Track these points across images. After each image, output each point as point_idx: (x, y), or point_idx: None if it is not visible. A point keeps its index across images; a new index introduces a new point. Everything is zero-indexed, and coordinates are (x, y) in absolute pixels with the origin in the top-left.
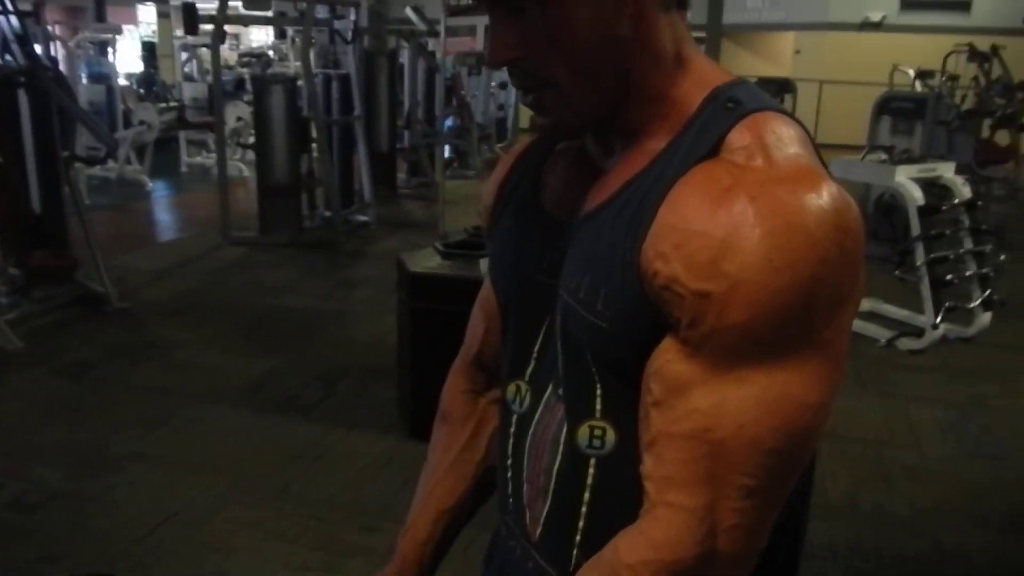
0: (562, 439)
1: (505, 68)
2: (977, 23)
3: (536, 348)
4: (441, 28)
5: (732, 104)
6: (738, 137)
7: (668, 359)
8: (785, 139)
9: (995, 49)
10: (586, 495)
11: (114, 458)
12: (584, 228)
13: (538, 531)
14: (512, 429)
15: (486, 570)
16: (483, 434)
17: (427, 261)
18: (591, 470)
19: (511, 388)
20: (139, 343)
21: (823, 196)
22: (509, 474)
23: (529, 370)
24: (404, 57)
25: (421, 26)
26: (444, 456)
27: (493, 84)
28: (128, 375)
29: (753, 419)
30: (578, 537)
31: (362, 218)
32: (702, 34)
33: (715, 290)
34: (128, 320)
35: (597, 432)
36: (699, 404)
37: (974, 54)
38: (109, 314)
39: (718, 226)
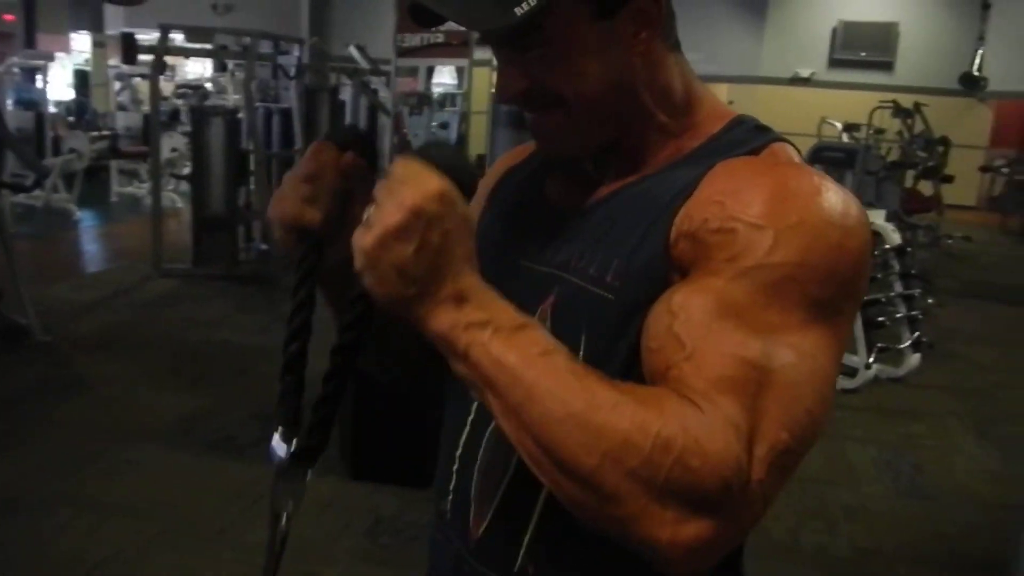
0: None
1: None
2: (900, 82)
3: None
4: (392, 68)
5: (759, 129)
6: (767, 153)
7: (696, 286)
8: (803, 163)
9: (917, 106)
10: (543, 494)
11: (39, 500)
12: (596, 212)
13: (481, 528)
14: (470, 418)
15: None
16: None
17: None
18: None
19: None
20: (65, 378)
21: (854, 204)
22: (456, 467)
23: None
24: (346, 93)
25: (364, 64)
26: None
27: (434, 124)
28: (53, 412)
29: (793, 366)
30: (527, 535)
31: None
32: None
33: (772, 224)
34: (53, 354)
35: None
36: (743, 333)
37: (898, 110)
38: (33, 348)
39: (777, 181)
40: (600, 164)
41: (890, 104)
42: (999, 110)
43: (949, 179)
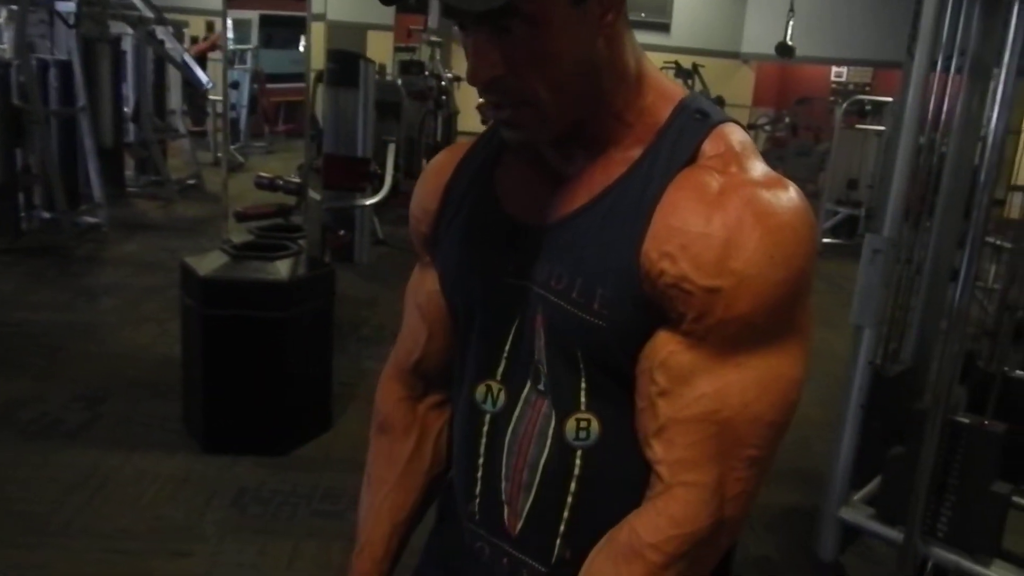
0: (550, 433)
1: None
2: (677, 43)
3: (507, 348)
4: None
5: (700, 115)
6: (711, 146)
7: (671, 351)
8: (747, 147)
9: (695, 67)
10: (572, 485)
11: None
12: (563, 230)
13: (519, 526)
14: (485, 428)
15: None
16: (427, 442)
17: (215, 264)
18: (578, 461)
19: (480, 389)
20: None
21: (795, 197)
22: (479, 473)
23: (500, 369)
24: (128, 44)
25: (147, 12)
26: (390, 469)
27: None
28: None
29: (755, 398)
30: (562, 527)
31: (92, 220)
32: (439, 39)
33: (724, 286)
34: None
35: (583, 424)
36: (705, 389)
37: (679, 70)
38: None
39: (720, 228)
40: (563, 155)
41: (672, 65)
42: (759, 71)
43: None
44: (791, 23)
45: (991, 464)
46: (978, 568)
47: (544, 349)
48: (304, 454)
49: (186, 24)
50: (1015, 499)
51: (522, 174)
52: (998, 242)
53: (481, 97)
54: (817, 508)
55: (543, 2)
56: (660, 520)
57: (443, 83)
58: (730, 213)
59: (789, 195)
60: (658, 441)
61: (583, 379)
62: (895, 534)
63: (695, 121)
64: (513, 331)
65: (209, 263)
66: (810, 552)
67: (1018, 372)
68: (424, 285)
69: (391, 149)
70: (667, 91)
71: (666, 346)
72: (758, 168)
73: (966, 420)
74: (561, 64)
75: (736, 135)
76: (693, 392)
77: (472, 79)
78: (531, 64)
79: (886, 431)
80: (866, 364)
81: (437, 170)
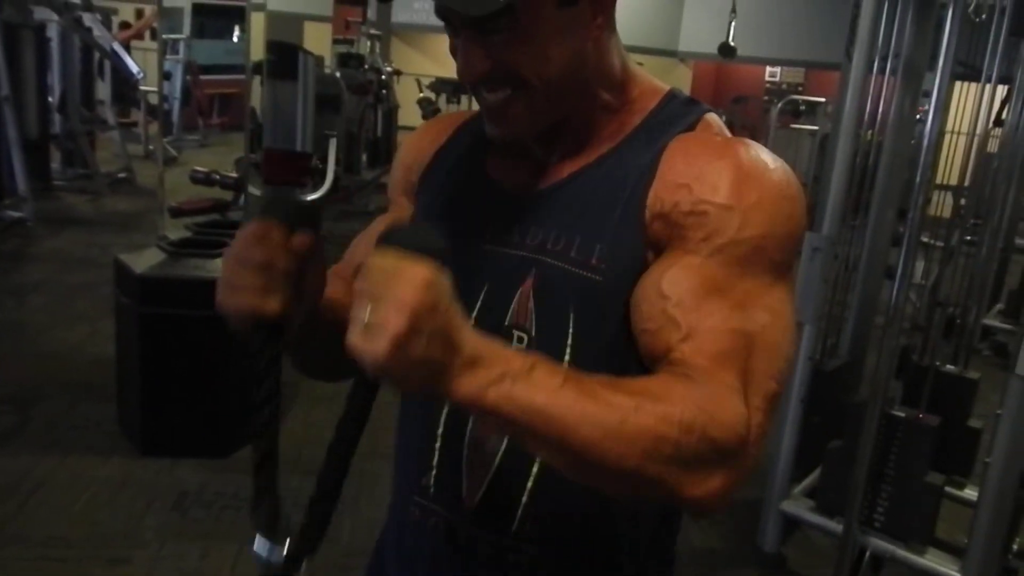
0: None
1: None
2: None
3: (474, 315)
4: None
5: (689, 102)
6: (703, 127)
7: (680, 266)
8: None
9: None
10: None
11: None
12: (558, 194)
13: (478, 497)
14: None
15: (383, 559)
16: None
17: (152, 261)
18: None
19: None
20: None
21: (789, 168)
22: (438, 444)
23: None
24: (53, 31)
25: None
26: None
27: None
28: None
29: (770, 323)
30: (525, 497)
31: (15, 214)
32: (378, 32)
33: (738, 205)
34: None
35: None
36: (723, 303)
37: None
38: None
39: (733, 164)
40: (545, 144)
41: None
42: (696, 70)
43: None
44: (733, 24)
45: (925, 456)
46: (912, 556)
47: (532, 313)
48: (247, 455)
49: (115, 11)
50: (948, 489)
51: (514, 153)
52: (926, 239)
53: (474, 94)
54: (759, 501)
55: (532, 3)
56: (706, 407)
57: (383, 77)
58: (740, 157)
59: (785, 165)
60: (687, 344)
61: (569, 340)
62: (835, 525)
63: (684, 106)
64: (481, 297)
65: (145, 260)
66: (753, 544)
67: (949, 367)
68: (393, 218)
69: (332, 144)
70: (653, 86)
71: (673, 263)
72: (751, 147)
73: (902, 413)
74: (550, 63)
75: (719, 121)
76: (711, 304)
77: (463, 76)
78: (520, 63)
79: (825, 424)
80: (806, 360)
81: (440, 128)
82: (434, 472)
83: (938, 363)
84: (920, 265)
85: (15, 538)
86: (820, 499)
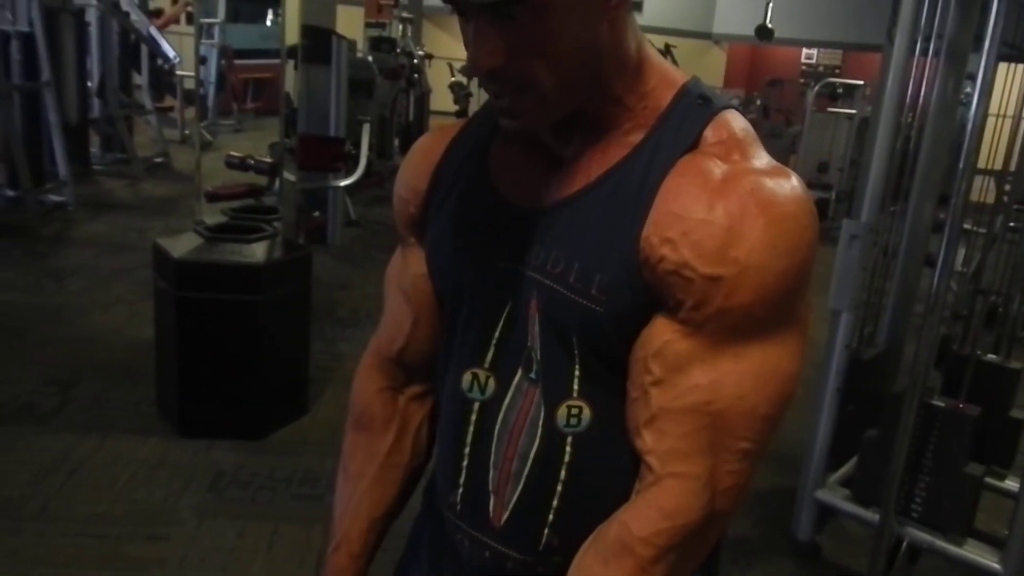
0: (540, 421)
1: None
2: (649, 22)
3: (496, 335)
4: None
5: (702, 100)
6: (714, 133)
7: (668, 339)
8: (749, 134)
9: (668, 48)
10: (562, 473)
11: None
12: (561, 213)
13: (505, 516)
14: (473, 417)
15: (418, 552)
16: (407, 436)
17: (189, 246)
18: (568, 448)
19: (466, 377)
20: None
21: (798, 186)
22: (465, 463)
23: (489, 357)
24: (92, 16)
25: None
26: (368, 464)
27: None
28: None
29: (751, 390)
30: (551, 516)
31: (57, 198)
32: (410, 15)
33: (725, 274)
34: None
35: (574, 411)
36: (700, 380)
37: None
38: None
39: (723, 216)
40: (561, 137)
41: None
42: (730, 53)
43: None
44: (771, 5)
45: (964, 446)
46: (951, 547)
47: (539, 334)
48: (281, 438)
49: None
50: (988, 480)
51: (518, 157)
52: (967, 226)
53: (482, 87)
54: (793, 489)
55: None
56: (650, 512)
57: (415, 61)
58: (733, 201)
59: (792, 184)
60: (649, 431)
61: (577, 365)
62: (870, 515)
63: (697, 107)
64: (504, 318)
65: (183, 245)
66: (787, 532)
67: (991, 356)
68: (409, 269)
69: (366, 129)
70: (668, 76)
71: (662, 334)
72: (761, 156)
73: (941, 403)
74: (564, 50)
75: (738, 122)
76: (687, 382)
77: (473, 69)
78: (534, 51)
79: (861, 413)
80: (843, 348)
81: (426, 150)
82: (461, 491)
83: (979, 352)
84: (961, 252)
85: (57, 516)
86: (856, 488)
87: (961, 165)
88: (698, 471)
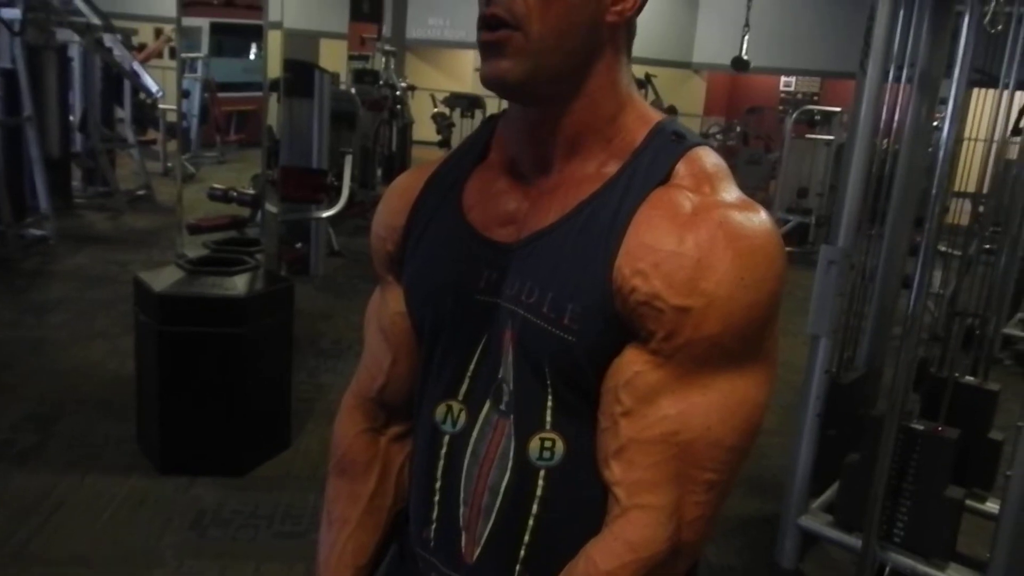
0: (511, 454)
1: None
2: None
3: (472, 367)
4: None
5: (675, 137)
6: (686, 167)
7: (637, 370)
8: (720, 169)
9: (648, 77)
10: (534, 507)
11: None
12: (536, 245)
13: (476, 552)
14: (443, 451)
15: None
16: (390, 478)
17: (171, 280)
18: (540, 481)
19: (440, 409)
20: None
21: (767, 220)
22: (436, 498)
23: (463, 389)
24: (75, 51)
25: (95, 19)
26: (351, 508)
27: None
28: None
29: (718, 421)
30: (522, 552)
31: (38, 232)
32: (392, 48)
33: (694, 305)
34: None
35: (547, 444)
36: (668, 411)
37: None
38: None
39: (692, 248)
40: (540, 164)
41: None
42: (710, 81)
43: None
44: (746, 38)
45: (945, 469)
46: (934, 572)
47: (512, 365)
48: (264, 473)
49: (135, 31)
50: (969, 503)
51: (493, 190)
52: (944, 248)
53: (482, 5)
54: (776, 515)
55: None
56: (616, 545)
57: (397, 92)
58: (702, 234)
59: (760, 218)
60: (617, 462)
61: (550, 396)
62: (853, 540)
63: (671, 143)
64: (479, 350)
65: (164, 278)
66: (771, 560)
67: (969, 378)
68: (387, 307)
69: (348, 161)
70: (646, 114)
71: (633, 365)
72: (731, 190)
73: (920, 427)
74: (564, 7)
75: (710, 158)
76: (656, 412)
77: None
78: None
79: (842, 438)
80: (822, 373)
81: (404, 189)
82: (434, 526)
83: (957, 375)
84: (938, 275)
85: (37, 557)
86: (838, 514)
87: (934, 190)
88: (664, 502)
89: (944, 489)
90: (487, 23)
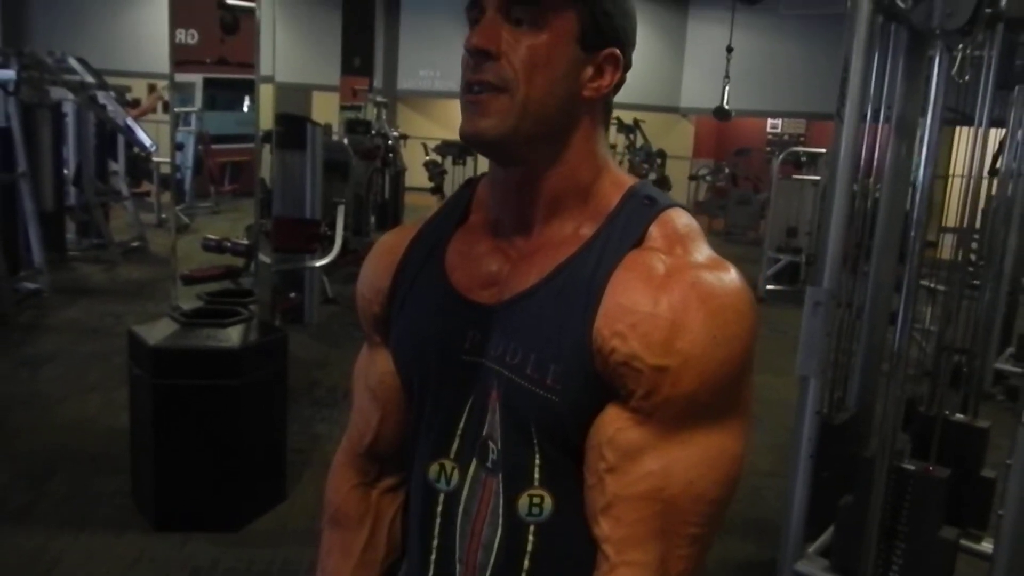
0: (500, 511)
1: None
2: (617, 98)
3: (461, 425)
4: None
5: (648, 201)
6: (658, 229)
7: (619, 427)
8: (692, 229)
9: (636, 122)
10: (526, 563)
11: None
12: (518, 307)
13: None
14: (439, 509)
15: None
16: (381, 530)
17: (165, 332)
18: (531, 537)
19: (433, 468)
20: None
21: (736, 279)
22: (433, 556)
23: (455, 447)
24: (69, 108)
25: (88, 78)
26: (344, 562)
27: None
28: None
29: (699, 475)
30: None
31: (32, 286)
32: (384, 99)
33: (671, 364)
34: None
35: (536, 500)
36: (652, 467)
37: (621, 125)
38: None
39: (667, 309)
40: (521, 227)
41: (615, 120)
42: (698, 124)
43: (669, 187)
44: (727, 88)
45: (937, 509)
46: None
47: (499, 424)
48: (259, 527)
49: (128, 88)
50: (964, 543)
51: (475, 252)
52: (932, 284)
53: (466, 72)
54: (773, 561)
55: (557, 18)
56: None
57: (390, 141)
58: (675, 295)
59: (731, 276)
60: (605, 518)
61: (536, 454)
62: None
63: (643, 206)
64: (467, 409)
65: (158, 331)
66: None
67: (959, 416)
68: (375, 366)
69: (340, 211)
70: (620, 179)
71: (614, 422)
72: (701, 251)
73: (911, 467)
74: (544, 75)
75: (681, 219)
76: (640, 469)
77: (470, 41)
78: (523, 57)
79: (836, 479)
80: (813, 414)
81: (388, 249)
82: None
83: (947, 412)
84: (928, 311)
85: None
86: (834, 558)
87: (912, 232)
88: (650, 559)
89: (938, 530)
90: (471, 87)
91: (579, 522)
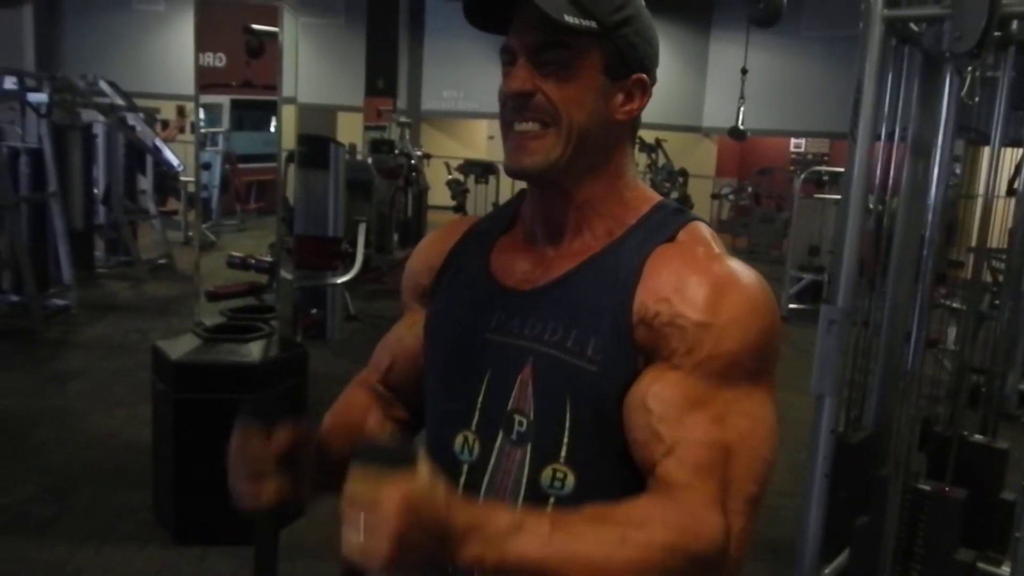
0: (524, 481)
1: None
2: (643, 118)
3: (480, 400)
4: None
5: (677, 211)
6: (686, 235)
7: (665, 380)
8: (716, 240)
9: (658, 142)
10: None
11: None
12: (552, 291)
13: None
14: (463, 479)
15: None
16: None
17: (188, 348)
18: (549, 510)
19: (458, 440)
20: None
21: (763, 280)
22: None
23: (475, 421)
24: (99, 129)
25: (118, 100)
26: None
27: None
28: None
29: (749, 431)
30: None
31: (61, 302)
32: (408, 119)
33: (715, 321)
34: None
35: (559, 475)
36: (703, 416)
37: (643, 145)
38: None
39: (710, 277)
40: (553, 234)
41: (636, 139)
42: (721, 144)
43: (691, 206)
44: (742, 109)
45: (954, 531)
46: None
47: (531, 398)
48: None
49: (157, 110)
50: (981, 566)
51: (516, 250)
52: (954, 304)
53: (504, 126)
54: None
55: (584, 55)
56: (683, 530)
57: (413, 161)
58: (715, 272)
59: (758, 276)
60: (669, 459)
61: (567, 430)
62: None
63: (674, 213)
64: (485, 383)
65: (181, 346)
66: None
67: (978, 436)
68: (403, 324)
69: (362, 229)
70: (648, 195)
71: (658, 378)
72: (728, 256)
73: (927, 487)
74: (580, 109)
75: (707, 230)
76: (692, 418)
77: (509, 85)
78: (560, 97)
79: (852, 499)
80: (828, 433)
81: (446, 234)
82: None
83: (965, 432)
84: (951, 330)
85: None
86: None
87: (925, 251)
88: (719, 495)
89: (954, 552)
90: (512, 125)
91: (599, 499)
